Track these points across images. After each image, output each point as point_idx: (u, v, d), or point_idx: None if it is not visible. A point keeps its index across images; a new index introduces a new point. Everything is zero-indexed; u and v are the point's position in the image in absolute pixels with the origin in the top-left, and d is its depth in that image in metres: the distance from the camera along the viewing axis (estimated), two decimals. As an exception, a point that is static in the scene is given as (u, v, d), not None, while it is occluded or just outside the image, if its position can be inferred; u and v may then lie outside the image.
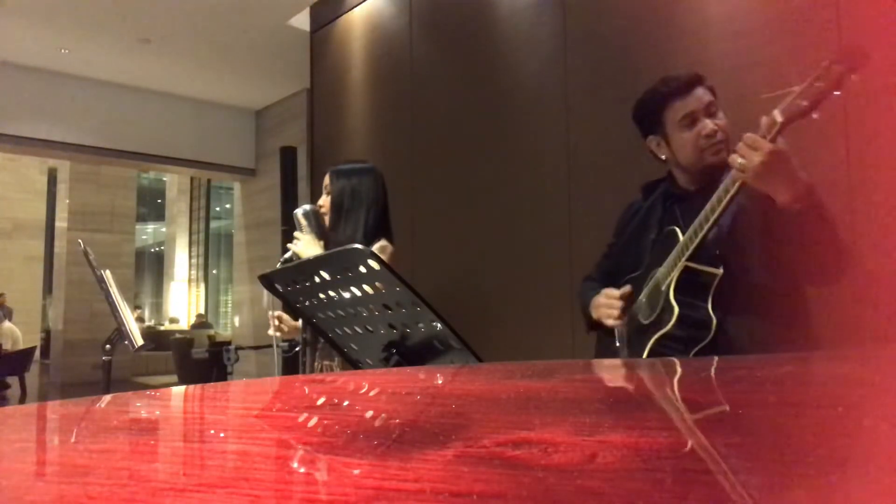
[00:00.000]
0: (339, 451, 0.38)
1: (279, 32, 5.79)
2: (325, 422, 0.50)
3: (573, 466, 0.32)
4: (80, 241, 2.67)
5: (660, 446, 0.37)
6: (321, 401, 0.63)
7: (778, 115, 1.18)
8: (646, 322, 1.45)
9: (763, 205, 1.27)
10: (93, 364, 8.49)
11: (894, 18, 2.03)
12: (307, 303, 1.15)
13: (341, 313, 1.10)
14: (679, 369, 0.84)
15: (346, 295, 1.04)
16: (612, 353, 1.54)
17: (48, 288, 11.56)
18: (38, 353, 8.62)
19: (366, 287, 1.00)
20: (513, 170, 3.32)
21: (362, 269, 0.98)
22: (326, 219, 1.96)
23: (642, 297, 1.48)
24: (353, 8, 4.59)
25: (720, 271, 1.32)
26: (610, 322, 1.52)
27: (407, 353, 1.05)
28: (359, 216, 1.91)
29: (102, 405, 0.61)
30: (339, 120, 4.64)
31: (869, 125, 2.02)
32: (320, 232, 1.94)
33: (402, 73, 4.11)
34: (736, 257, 1.34)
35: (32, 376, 8.14)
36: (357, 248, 1.02)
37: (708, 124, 1.43)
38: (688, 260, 1.35)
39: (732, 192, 1.26)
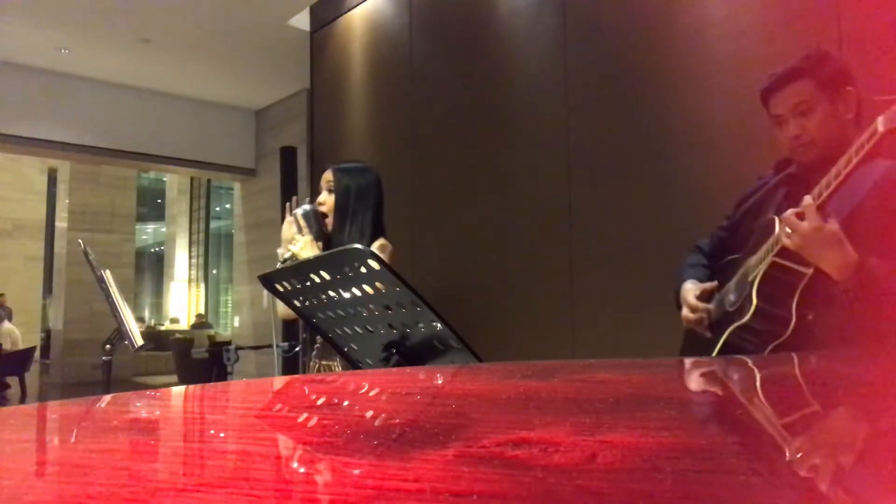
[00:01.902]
0: (339, 451, 0.38)
1: (279, 32, 5.78)
2: (325, 422, 0.50)
3: (573, 466, 0.32)
4: (80, 241, 2.67)
5: (660, 446, 0.37)
6: (321, 401, 0.63)
7: (880, 125, 1.08)
8: (730, 309, 1.41)
9: (872, 206, 1.20)
10: (93, 364, 8.47)
11: (895, 18, 2.03)
12: (307, 303, 1.14)
13: (341, 313, 1.10)
14: (685, 369, 0.84)
15: (346, 295, 1.04)
16: (697, 334, 1.51)
17: (48, 288, 11.54)
18: (38, 353, 8.61)
19: (366, 287, 1.00)
20: (513, 170, 3.32)
21: (362, 269, 0.98)
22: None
23: (731, 283, 1.44)
24: (353, 8, 4.59)
25: (809, 271, 1.24)
26: (686, 319, 1.49)
27: (407, 353, 1.04)
28: (365, 216, 1.92)
29: (102, 405, 0.61)
30: (339, 120, 4.64)
31: None
32: (319, 232, 1.94)
33: (402, 73, 4.10)
34: None
35: (32, 376, 8.13)
36: (357, 248, 1.02)
37: (791, 127, 1.36)
38: (777, 255, 1.28)
39: (839, 178, 1.16)
